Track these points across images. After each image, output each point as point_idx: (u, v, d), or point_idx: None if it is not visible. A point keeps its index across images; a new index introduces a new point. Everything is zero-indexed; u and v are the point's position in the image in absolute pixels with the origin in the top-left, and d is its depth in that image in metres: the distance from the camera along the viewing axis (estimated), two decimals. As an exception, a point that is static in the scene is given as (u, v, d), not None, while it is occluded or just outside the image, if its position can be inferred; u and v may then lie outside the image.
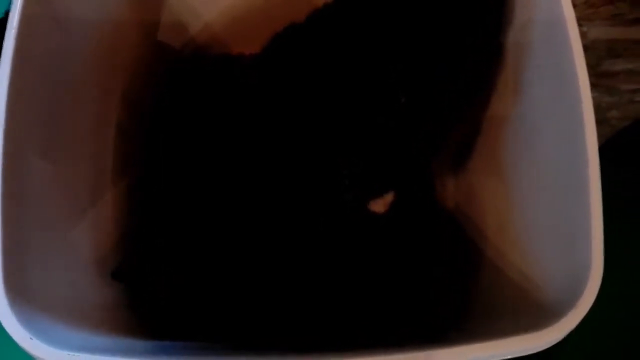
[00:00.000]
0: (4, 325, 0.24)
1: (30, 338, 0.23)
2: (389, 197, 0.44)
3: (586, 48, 0.50)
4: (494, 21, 0.35)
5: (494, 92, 0.37)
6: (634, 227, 0.63)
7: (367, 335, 0.38)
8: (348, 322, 0.39)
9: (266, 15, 0.49)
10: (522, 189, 0.34)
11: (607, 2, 0.42)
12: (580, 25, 0.47)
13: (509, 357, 0.25)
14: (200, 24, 0.49)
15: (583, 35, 0.48)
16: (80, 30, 0.35)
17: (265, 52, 0.45)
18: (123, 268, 0.36)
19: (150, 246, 0.40)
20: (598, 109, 0.58)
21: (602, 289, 0.26)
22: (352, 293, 0.41)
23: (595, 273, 0.26)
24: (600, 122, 0.63)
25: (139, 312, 0.35)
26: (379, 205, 0.44)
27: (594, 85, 0.56)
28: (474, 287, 0.38)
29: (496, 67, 0.36)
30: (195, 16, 0.49)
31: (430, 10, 0.35)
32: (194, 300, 0.39)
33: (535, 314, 0.28)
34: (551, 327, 0.25)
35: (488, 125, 0.38)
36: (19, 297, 0.25)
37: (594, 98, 0.57)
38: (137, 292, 0.36)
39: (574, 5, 0.33)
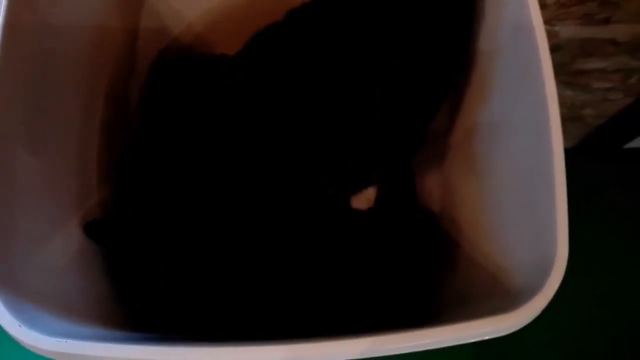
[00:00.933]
0: (-8, 312, 0.24)
1: (19, 325, 0.24)
2: (371, 194, 0.45)
3: (559, 47, 0.52)
4: (462, 25, 0.36)
5: (466, 93, 0.38)
6: (611, 221, 0.65)
7: (346, 325, 0.39)
8: (329, 314, 0.40)
9: (248, 14, 0.50)
10: (494, 184, 0.35)
11: (577, 2, 0.44)
12: (552, 25, 0.48)
13: (481, 338, 0.26)
14: (183, 25, 0.50)
15: (555, 34, 0.50)
16: (65, 32, 0.36)
17: (248, 50, 0.45)
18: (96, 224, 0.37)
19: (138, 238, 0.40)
20: (572, 107, 0.60)
21: (569, 276, 0.27)
22: (332, 285, 0.42)
23: (560, 260, 0.27)
24: (575, 119, 0.65)
25: (125, 304, 0.36)
26: (361, 202, 0.46)
27: (568, 84, 0.57)
28: (450, 278, 0.39)
29: (463, 70, 0.37)
30: (177, 17, 0.50)
31: (405, 12, 0.37)
32: (181, 294, 0.40)
33: (505, 299, 0.29)
34: (519, 310, 0.26)
35: (463, 123, 0.39)
36: (7, 285, 0.26)
37: (568, 96, 0.59)
38: (124, 284, 0.37)
39: (545, 6, 0.34)
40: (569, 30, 0.47)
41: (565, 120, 0.63)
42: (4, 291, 0.25)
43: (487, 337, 0.26)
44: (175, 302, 0.39)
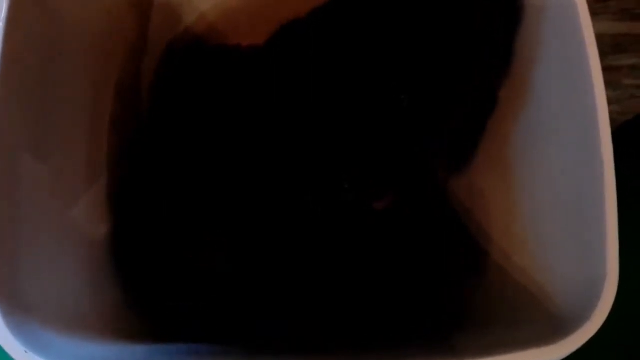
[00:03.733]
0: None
1: (25, 351, 0.22)
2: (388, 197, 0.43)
3: (592, 43, 0.50)
4: (508, 22, 0.34)
5: (502, 91, 0.36)
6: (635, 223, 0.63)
7: (369, 335, 0.37)
8: (350, 322, 0.38)
9: (263, 5, 0.48)
10: (530, 191, 0.33)
11: (615, -4, 0.42)
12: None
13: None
14: (195, 14, 0.48)
15: (590, 30, 0.47)
16: (71, 22, 0.33)
17: (269, 46, 0.43)
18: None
19: (148, 243, 0.39)
20: (599, 104, 0.58)
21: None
22: (353, 293, 0.40)
23: (611, 281, 0.25)
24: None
25: (139, 311, 0.34)
26: (379, 202, 0.44)
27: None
28: (478, 289, 0.37)
29: (506, 69, 0.35)
30: (189, 5, 0.48)
31: (442, 10, 0.34)
32: (195, 299, 0.38)
33: (546, 324, 0.27)
34: (566, 340, 0.24)
35: (495, 125, 0.37)
36: (12, 306, 0.24)
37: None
38: (137, 291, 0.35)
39: (582, 0, 0.32)
40: (603, 26, 0.45)
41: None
42: (8, 312, 0.23)
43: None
44: (181, 312, 0.37)
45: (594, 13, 0.45)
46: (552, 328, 0.26)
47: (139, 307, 0.35)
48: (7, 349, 0.22)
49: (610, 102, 0.61)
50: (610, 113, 0.62)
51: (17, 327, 0.23)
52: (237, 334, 0.36)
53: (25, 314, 0.24)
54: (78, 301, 0.30)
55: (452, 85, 0.35)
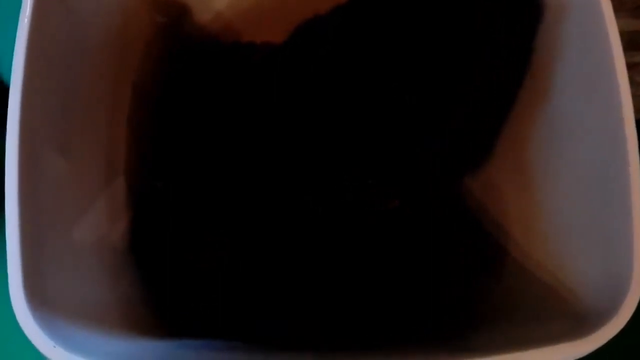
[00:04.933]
0: (27, 333, 0.23)
1: (54, 346, 0.22)
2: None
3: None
4: (526, 22, 0.34)
5: (522, 91, 0.35)
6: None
7: (382, 334, 0.37)
8: (363, 321, 0.38)
9: (277, 3, 0.48)
10: (552, 188, 0.33)
11: (633, -7, 0.41)
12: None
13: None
14: (211, 12, 0.48)
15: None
16: (91, 19, 0.33)
17: (286, 45, 0.43)
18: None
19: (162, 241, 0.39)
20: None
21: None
22: (356, 293, 0.40)
23: (637, 277, 0.25)
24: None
25: (155, 308, 0.34)
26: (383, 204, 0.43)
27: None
28: (496, 286, 0.37)
29: (527, 66, 0.35)
30: (204, 4, 0.47)
31: (464, 9, 0.34)
32: (205, 297, 0.38)
33: (571, 320, 0.27)
34: (595, 334, 0.24)
35: (513, 121, 0.37)
36: (40, 302, 0.24)
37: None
38: (153, 285, 0.35)
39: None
40: (619, 23, 0.45)
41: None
42: (36, 308, 0.23)
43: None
44: (193, 308, 0.37)
45: (610, 10, 0.45)
46: (577, 324, 0.26)
47: (154, 304, 0.35)
48: (36, 343, 0.22)
49: (622, 99, 0.61)
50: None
51: (45, 323, 0.23)
52: (238, 334, 0.36)
53: (52, 309, 0.24)
54: (98, 298, 0.30)
55: (452, 86, 0.35)
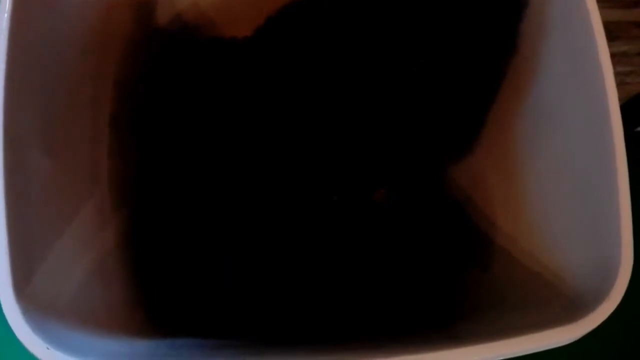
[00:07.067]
0: (18, 335, 0.22)
1: (47, 348, 0.22)
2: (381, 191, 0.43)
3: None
4: (510, 12, 0.34)
5: (506, 79, 0.36)
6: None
7: (370, 325, 0.37)
8: (349, 314, 0.38)
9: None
10: (537, 176, 0.34)
11: (609, -16, 0.42)
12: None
13: (542, 349, 0.25)
14: (188, 2, 0.47)
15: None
16: (73, 19, 0.33)
17: (261, 34, 0.43)
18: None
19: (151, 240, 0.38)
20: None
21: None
22: (354, 283, 0.40)
23: (626, 258, 0.25)
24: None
25: (145, 308, 0.34)
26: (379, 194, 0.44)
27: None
28: (483, 275, 0.37)
29: (507, 57, 0.35)
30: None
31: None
32: (198, 295, 0.38)
33: (559, 306, 0.28)
34: (584, 319, 0.24)
35: (498, 112, 0.37)
36: (31, 303, 0.23)
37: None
38: (145, 286, 0.35)
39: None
40: (598, 13, 0.46)
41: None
42: (27, 309, 0.23)
43: (549, 348, 0.25)
44: (186, 306, 0.37)
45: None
46: (566, 310, 0.26)
47: (146, 304, 0.35)
48: (28, 346, 0.22)
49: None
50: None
51: (37, 325, 0.23)
52: (240, 330, 0.36)
53: (43, 311, 0.24)
54: (89, 298, 0.30)
55: (436, 73, 0.35)
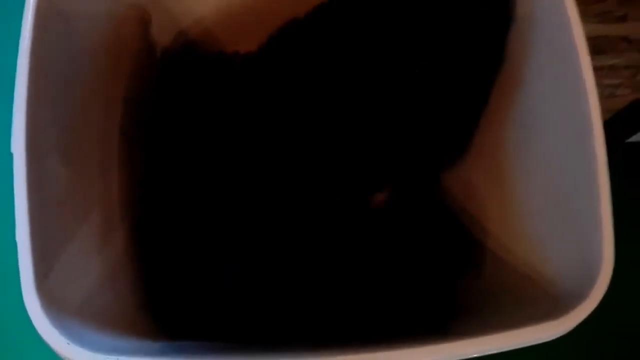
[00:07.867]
0: (40, 331, 0.24)
1: (68, 343, 0.23)
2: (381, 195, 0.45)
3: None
4: (500, 17, 0.36)
5: (494, 87, 0.38)
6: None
7: (366, 328, 0.39)
8: (347, 316, 0.40)
9: (260, 11, 0.49)
10: (525, 183, 0.35)
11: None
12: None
13: (525, 345, 0.26)
14: (191, 20, 0.49)
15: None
16: (86, 29, 0.35)
17: (264, 51, 0.45)
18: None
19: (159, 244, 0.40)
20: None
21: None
22: (350, 287, 0.41)
23: (606, 262, 0.27)
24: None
25: (154, 312, 0.35)
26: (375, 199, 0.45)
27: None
28: (475, 279, 0.39)
29: (498, 67, 0.37)
30: (187, 11, 0.48)
31: (434, 7, 0.36)
32: (201, 299, 0.39)
33: (546, 305, 0.29)
34: (566, 316, 0.26)
35: (488, 121, 0.39)
36: (51, 301, 0.25)
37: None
38: (152, 291, 0.36)
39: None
40: (585, 28, 0.47)
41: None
42: (48, 307, 0.24)
43: (533, 343, 0.26)
44: (191, 311, 0.38)
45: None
46: (552, 308, 0.27)
47: (153, 307, 0.36)
48: (50, 342, 0.24)
49: (591, 100, 0.63)
50: (591, 111, 0.64)
51: (58, 321, 0.24)
52: (243, 333, 0.37)
53: (63, 309, 0.26)
54: (101, 301, 0.31)
55: (442, 83, 0.37)
